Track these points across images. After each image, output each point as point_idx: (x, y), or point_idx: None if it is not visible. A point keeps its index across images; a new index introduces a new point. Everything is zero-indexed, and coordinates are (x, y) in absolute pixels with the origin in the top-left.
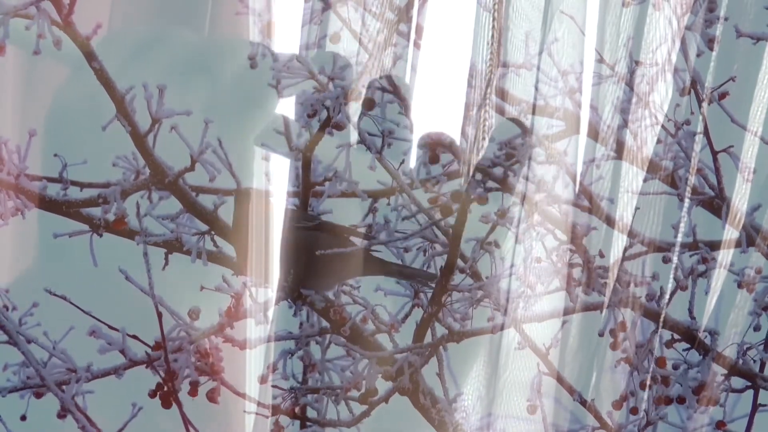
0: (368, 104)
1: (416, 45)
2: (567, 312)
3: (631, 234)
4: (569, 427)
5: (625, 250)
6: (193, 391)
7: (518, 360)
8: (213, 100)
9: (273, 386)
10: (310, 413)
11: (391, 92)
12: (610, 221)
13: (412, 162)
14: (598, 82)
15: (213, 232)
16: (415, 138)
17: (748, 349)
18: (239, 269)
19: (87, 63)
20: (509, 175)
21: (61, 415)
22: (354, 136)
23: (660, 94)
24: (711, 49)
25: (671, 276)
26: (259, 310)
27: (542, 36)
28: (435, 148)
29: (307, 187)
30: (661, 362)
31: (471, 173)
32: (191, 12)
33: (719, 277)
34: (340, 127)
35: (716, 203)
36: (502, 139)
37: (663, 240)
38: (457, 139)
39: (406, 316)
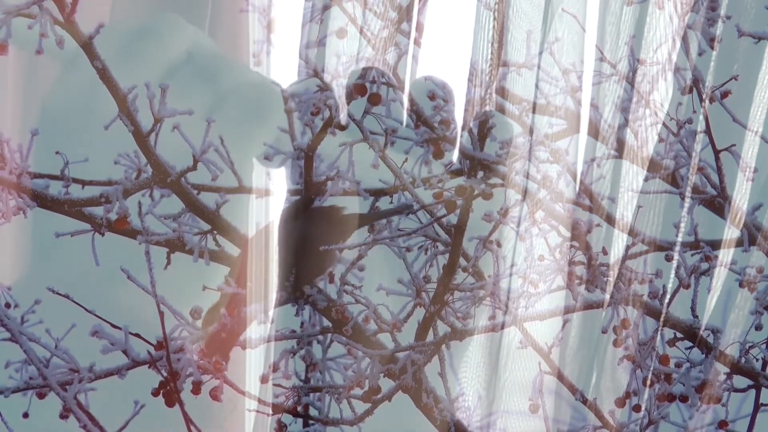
0: (374, 99)
1: (417, 43)
2: (569, 310)
3: (633, 233)
4: (571, 426)
5: (628, 248)
6: (196, 390)
7: (520, 359)
8: (215, 99)
9: (275, 385)
10: (312, 412)
11: (395, 87)
12: (610, 220)
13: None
14: (599, 81)
15: (215, 232)
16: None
17: (751, 347)
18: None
19: (89, 62)
20: (512, 172)
21: (64, 416)
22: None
23: (661, 93)
24: (712, 48)
25: (672, 274)
26: (261, 309)
27: (543, 35)
28: (439, 143)
29: (309, 186)
30: (664, 360)
31: (474, 170)
32: (192, 10)
33: (721, 276)
34: (342, 127)
35: (718, 202)
36: (503, 138)
37: (664, 239)
38: (458, 134)
39: (408, 315)
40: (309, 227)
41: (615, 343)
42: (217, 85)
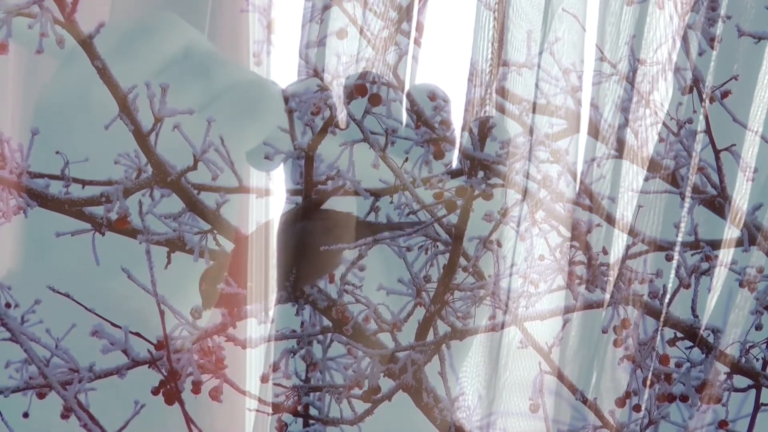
0: (374, 100)
1: (417, 43)
2: (569, 310)
3: (633, 233)
4: (571, 426)
5: (628, 248)
6: (196, 390)
7: (520, 359)
8: (215, 99)
9: (276, 384)
10: (313, 412)
11: (395, 88)
12: (610, 220)
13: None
14: (600, 80)
15: (215, 231)
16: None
17: (751, 347)
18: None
19: (89, 62)
20: (512, 172)
21: (65, 415)
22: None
23: (661, 93)
24: (712, 48)
25: (672, 274)
26: (261, 309)
27: (543, 35)
28: (439, 143)
29: (309, 186)
30: (664, 360)
31: (474, 170)
32: (192, 10)
33: (721, 275)
34: (342, 127)
35: (718, 202)
36: (503, 138)
37: (664, 239)
38: (457, 136)
39: (409, 315)
40: (316, 228)
41: (615, 343)
42: (213, 82)
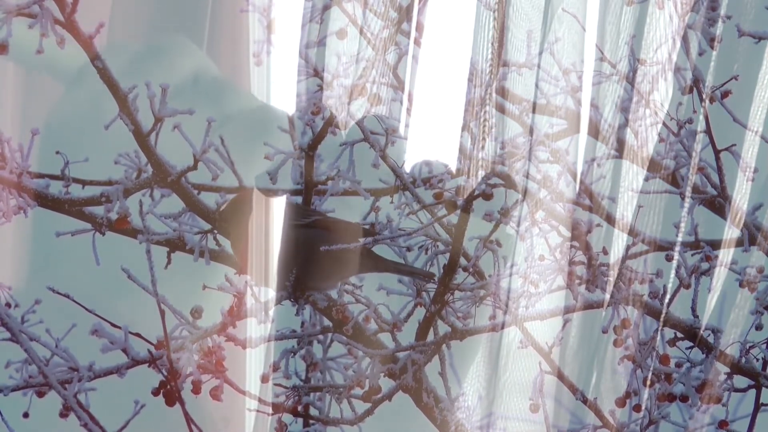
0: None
1: (417, 43)
2: (569, 310)
3: (633, 233)
4: (571, 426)
5: (628, 248)
6: (197, 389)
7: (520, 359)
8: (224, 124)
9: (276, 384)
10: (313, 412)
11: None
12: (611, 220)
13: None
14: (600, 80)
15: (215, 231)
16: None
17: (751, 347)
18: (239, 269)
19: (90, 62)
20: (513, 172)
21: (64, 414)
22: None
23: (661, 93)
24: (712, 48)
25: (672, 274)
26: (261, 309)
27: (543, 35)
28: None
29: (309, 186)
30: (664, 359)
31: (474, 170)
32: (192, 9)
33: (721, 276)
34: (342, 126)
35: (718, 202)
36: (503, 137)
37: (664, 239)
38: (457, 136)
39: (409, 315)
40: (321, 234)
41: (615, 343)
42: (222, 108)
